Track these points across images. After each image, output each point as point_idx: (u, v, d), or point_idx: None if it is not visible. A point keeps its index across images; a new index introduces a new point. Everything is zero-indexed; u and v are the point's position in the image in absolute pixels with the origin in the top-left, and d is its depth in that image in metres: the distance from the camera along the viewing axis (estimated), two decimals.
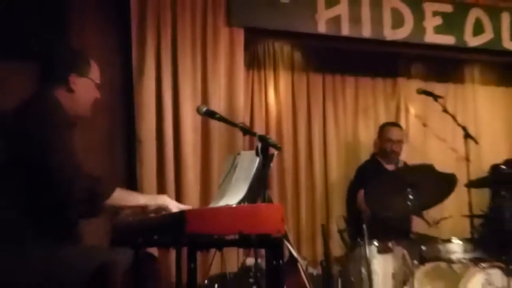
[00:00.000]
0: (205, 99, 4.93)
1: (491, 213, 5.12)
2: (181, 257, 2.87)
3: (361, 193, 4.91)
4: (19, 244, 2.50)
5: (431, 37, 5.69)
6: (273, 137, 5.09)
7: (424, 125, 6.17)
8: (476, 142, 5.57)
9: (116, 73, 4.82)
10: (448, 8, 5.75)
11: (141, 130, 4.73)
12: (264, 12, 5.16)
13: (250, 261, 3.96)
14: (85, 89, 2.84)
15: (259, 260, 3.26)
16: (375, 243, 4.64)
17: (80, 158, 2.63)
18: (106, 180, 2.68)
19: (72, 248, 2.62)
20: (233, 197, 2.74)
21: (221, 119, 3.22)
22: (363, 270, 4.55)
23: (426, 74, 6.26)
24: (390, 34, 5.55)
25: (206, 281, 4.18)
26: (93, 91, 2.90)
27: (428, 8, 5.69)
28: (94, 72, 2.90)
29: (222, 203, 2.75)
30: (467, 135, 5.40)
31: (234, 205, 2.63)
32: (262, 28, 5.25)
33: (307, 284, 3.91)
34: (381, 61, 6.07)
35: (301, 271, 3.96)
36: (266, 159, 2.75)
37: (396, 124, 5.67)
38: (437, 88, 6.11)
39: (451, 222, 5.74)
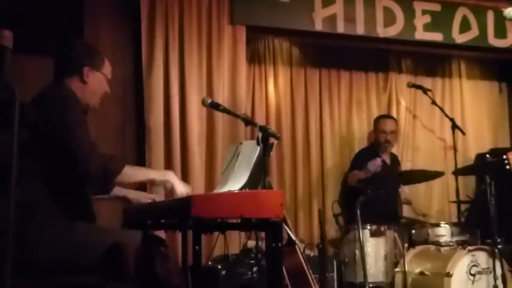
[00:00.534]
0: (209, 91, 4.93)
1: (476, 199, 5.11)
2: (186, 240, 2.88)
3: (353, 172, 5.09)
4: (39, 223, 2.49)
5: (420, 34, 5.67)
6: (272, 127, 5.09)
7: (414, 116, 6.17)
8: (463, 132, 5.57)
9: (128, 68, 4.89)
10: (436, 7, 5.73)
11: (150, 120, 4.76)
12: (265, 11, 5.16)
13: (251, 243, 3.98)
14: (97, 82, 2.85)
15: (259, 243, 3.28)
16: (368, 226, 4.66)
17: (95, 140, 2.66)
18: (118, 157, 2.71)
19: (88, 227, 2.63)
20: (235, 184, 2.75)
21: (225, 110, 3.23)
22: (357, 252, 4.56)
23: (416, 69, 6.25)
24: (382, 31, 5.54)
25: (210, 262, 4.20)
26: (104, 85, 2.90)
27: (418, 7, 5.67)
28: (107, 68, 2.92)
29: (225, 189, 2.76)
30: (454, 126, 5.40)
31: (236, 191, 2.64)
32: (263, 26, 5.25)
33: (304, 265, 3.91)
34: (374, 56, 6.06)
35: (299, 253, 3.96)
36: (266, 148, 2.76)
37: (389, 116, 5.67)
38: (426, 82, 6.12)
39: (439, 208, 5.78)
